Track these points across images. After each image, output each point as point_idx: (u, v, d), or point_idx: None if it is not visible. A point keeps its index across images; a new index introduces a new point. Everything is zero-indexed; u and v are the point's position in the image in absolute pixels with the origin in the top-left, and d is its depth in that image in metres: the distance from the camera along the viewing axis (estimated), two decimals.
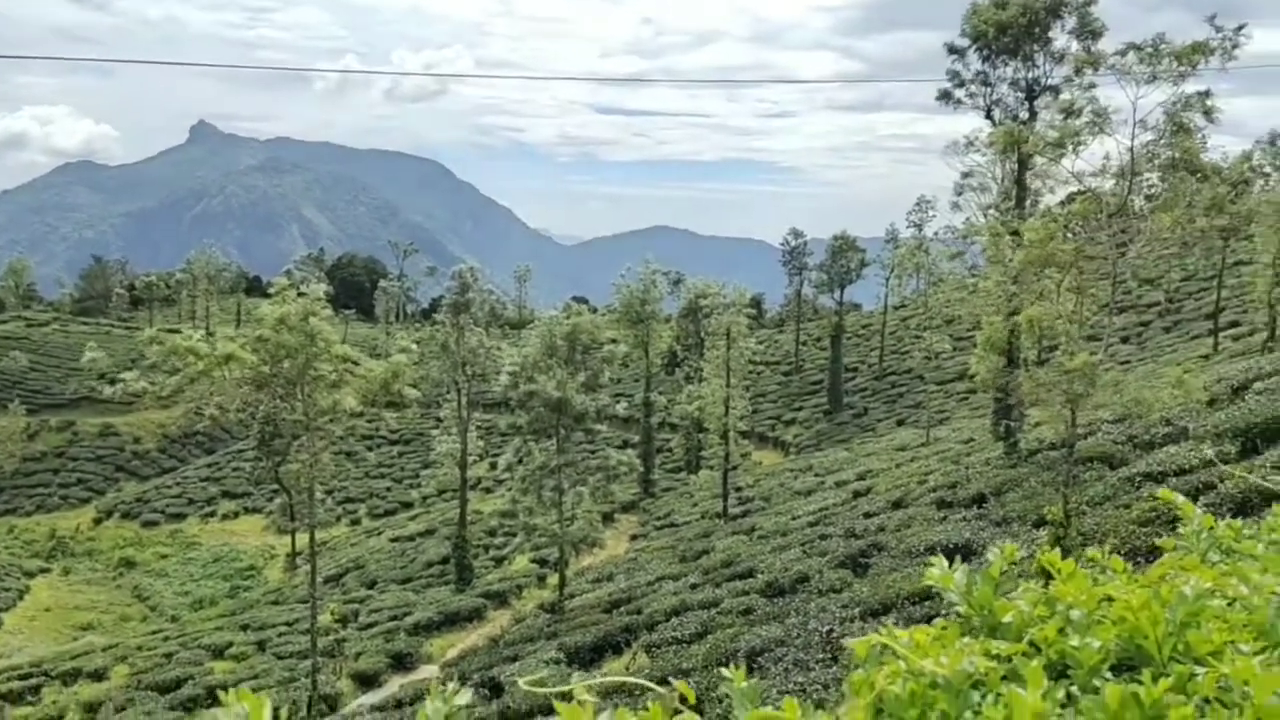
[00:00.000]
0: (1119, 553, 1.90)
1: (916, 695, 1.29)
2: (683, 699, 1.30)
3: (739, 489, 45.57)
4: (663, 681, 1.39)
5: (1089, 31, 26.97)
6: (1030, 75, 28.45)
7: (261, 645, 35.53)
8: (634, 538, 44.06)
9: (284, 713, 1.31)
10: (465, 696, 1.31)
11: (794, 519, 32.25)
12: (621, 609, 26.30)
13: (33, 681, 34.56)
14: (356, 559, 51.65)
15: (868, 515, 27.80)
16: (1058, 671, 1.39)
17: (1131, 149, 16.92)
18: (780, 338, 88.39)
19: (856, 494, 34.08)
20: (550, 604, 30.40)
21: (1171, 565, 1.77)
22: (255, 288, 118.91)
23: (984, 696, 1.28)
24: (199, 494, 70.91)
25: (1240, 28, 16.99)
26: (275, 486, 29.06)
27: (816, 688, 13.82)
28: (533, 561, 40.58)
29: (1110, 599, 1.51)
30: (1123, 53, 16.93)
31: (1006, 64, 28.63)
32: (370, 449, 76.20)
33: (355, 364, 26.33)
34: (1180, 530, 2.07)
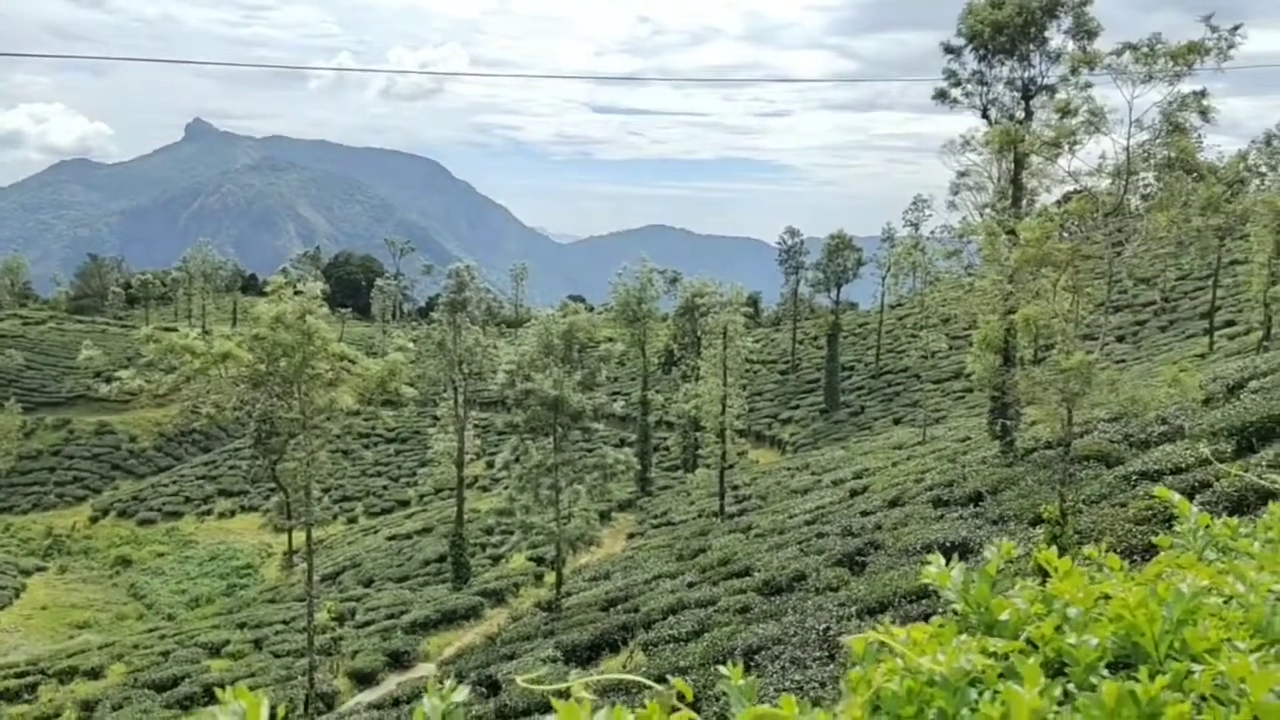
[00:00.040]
0: (1115, 551, 1.91)
1: (914, 693, 1.29)
2: (680, 696, 1.30)
3: (736, 487, 45.59)
4: (660, 680, 1.39)
5: (1085, 31, 26.98)
6: (1026, 75, 28.46)
7: (258, 643, 35.50)
8: (631, 536, 44.06)
9: (281, 711, 1.31)
10: (462, 694, 1.31)
11: (791, 517, 32.27)
12: (618, 607, 26.31)
13: (29, 680, 34.51)
14: (353, 557, 51.62)
15: (864, 514, 27.83)
16: (1055, 669, 1.39)
17: (1127, 148, 16.93)
18: (777, 336, 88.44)
19: (853, 492, 34.11)
20: (547, 602, 30.39)
21: (1168, 563, 1.78)
22: (251, 286, 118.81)
23: (981, 694, 1.28)
24: (195, 492, 70.83)
25: (1236, 28, 17.00)
26: (272, 485, 29.00)
27: (814, 686, 13.83)
28: (530, 560, 40.58)
29: (1107, 597, 1.51)
30: (1119, 52, 16.94)
31: (1003, 63, 28.63)
32: (367, 447, 76.14)
33: (352, 362, 26.29)
34: (1177, 528, 2.08)
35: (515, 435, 30.00)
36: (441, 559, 43.77)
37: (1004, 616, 1.53)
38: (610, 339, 38.31)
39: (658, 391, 62.69)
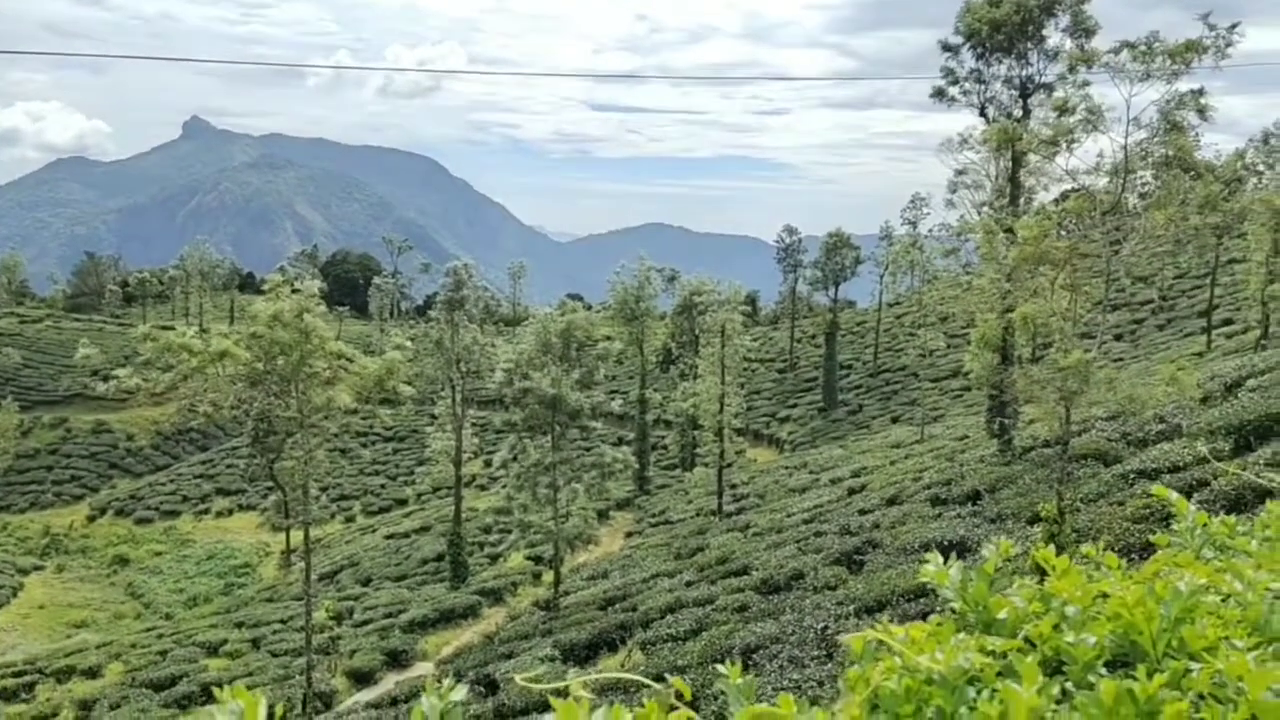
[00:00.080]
0: (1113, 549, 1.91)
1: (912, 691, 1.29)
2: (679, 695, 1.30)
3: (734, 486, 45.61)
4: (659, 678, 1.39)
5: (1083, 29, 27.00)
6: (1024, 73, 28.49)
7: (256, 643, 35.48)
8: (629, 535, 44.07)
9: (279, 710, 1.31)
10: (461, 693, 1.31)
11: (789, 516, 32.28)
12: (616, 606, 26.31)
13: (27, 679, 34.49)
14: (351, 556, 51.60)
15: (862, 512, 27.84)
16: (1053, 667, 1.39)
17: (1125, 147, 16.95)
18: (775, 335, 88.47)
19: (851, 491, 34.13)
20: (545, 601, 30.40)
21: (1166, 561, 1.78)
22: (249, 284, 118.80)
23: (979, 692, 1.28)
24: (193, 491, 70.77)
25: (1234, 26, 17.02)
26: (270, 483, 28.99)
27: (812, 684, 13.84)
28: (528, 559, 40.57)
29: (1105, 595, 1.51)
30: (1116, 51, 16.95)
31: (1000, 61, 28.65)
32: (365, 446, 76.11)
33: (350, 361, 26.27)
34: (1174, 527, 2.08)
35: (513, 434, 30.00)
36: (439, 558, 43.77)
37: (1002, 615, 1.53)
38: (608, 337, 38.34)
39: (656, 390, 62.71)
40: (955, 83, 29.54)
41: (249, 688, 1.25)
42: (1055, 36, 27.88)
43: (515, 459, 29.65)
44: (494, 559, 44.75)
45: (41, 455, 75.77)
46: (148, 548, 62.49)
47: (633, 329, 58.08)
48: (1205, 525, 2.04)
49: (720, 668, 1.39)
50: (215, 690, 1.28)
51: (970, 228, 29.41)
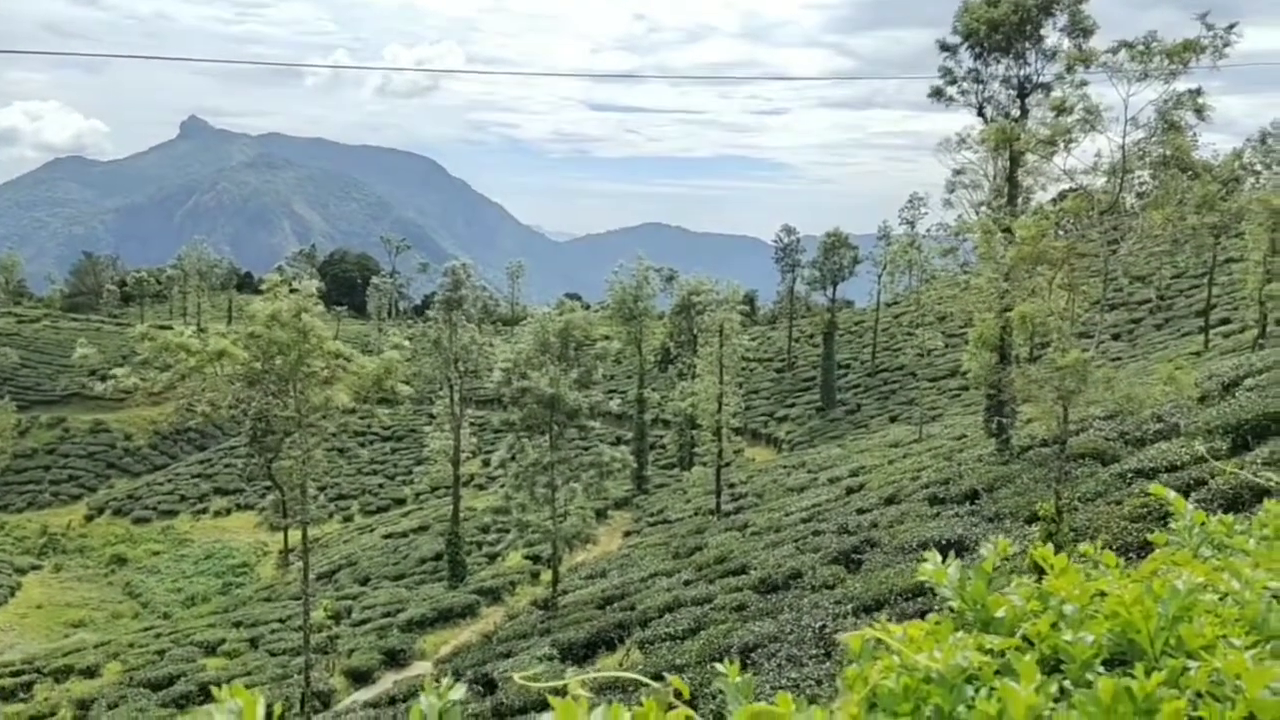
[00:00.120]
0: (1111, 548, 1.91)
1: (910, 690, 1.29)
2: (677, 694, 1.30)
3: (732, 485, 45.62)
4: (657, 677, 1.39)
5: (1080, 29, 27.02)
6: (1022, 73, 28.50)
7: (254, 642, 35.47)
8: (627, 534, 44.08)
9: (277, 709, 1.31)
10: (459, 692, 1.31)
11: (787, 515, 32.29)
12: (615, 605, 26.31)
13: (24, 679, 34.46)
14: (349, 556, 51.58)
15: (860, 511, 27.86)
16: (1051, 666, 1.40)
17: (1123, 146, 16.95)
18: (773, 334, 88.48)
19: (849, 490, 34.14)
20: (543, 600, 30.40)
21: (1164, 560, 1.78)
22: (247, 284, 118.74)
23: (978, 691, 1.28)
24: (191, 491, 70.71)
25: (1231, 26, 17.03)
26: (268, 483, 28.98)
27: (810, 683, 13.85)
28: (526, 558, 40.57)
29: (1103, 594, 1.51)
30: (1114, 50, 16.96)
31: (998, 61, 28.66)
32: (363, 445, 75.99)
33: (348, 360, 26.24)
34: (1172, 526, 2.08)
35: (511, 433, 30.00)
36: (438, 557, 43.76)
37: (1000, 613, 1.53)
38: (606, 337, 38.35)
39: (654, 389, 62.72)
40: (953, 82, 29.56)
41: (247, 687, 1.25)
42: (1053, 36, 27.92)
43: (513, 458, 29.65)
44: (492, 558, 44.75)
45: (39, 455, 75.69)
46: (145, 547, 62.44)
47: (631, 328, 58.07)
48: (1203, 524, 2.04)
49: (719, 666, 1.39)
50: (214, 689, 1.28)
51: (968, 227, 29.43)
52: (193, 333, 27.78)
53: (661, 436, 67.26)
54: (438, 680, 1.37)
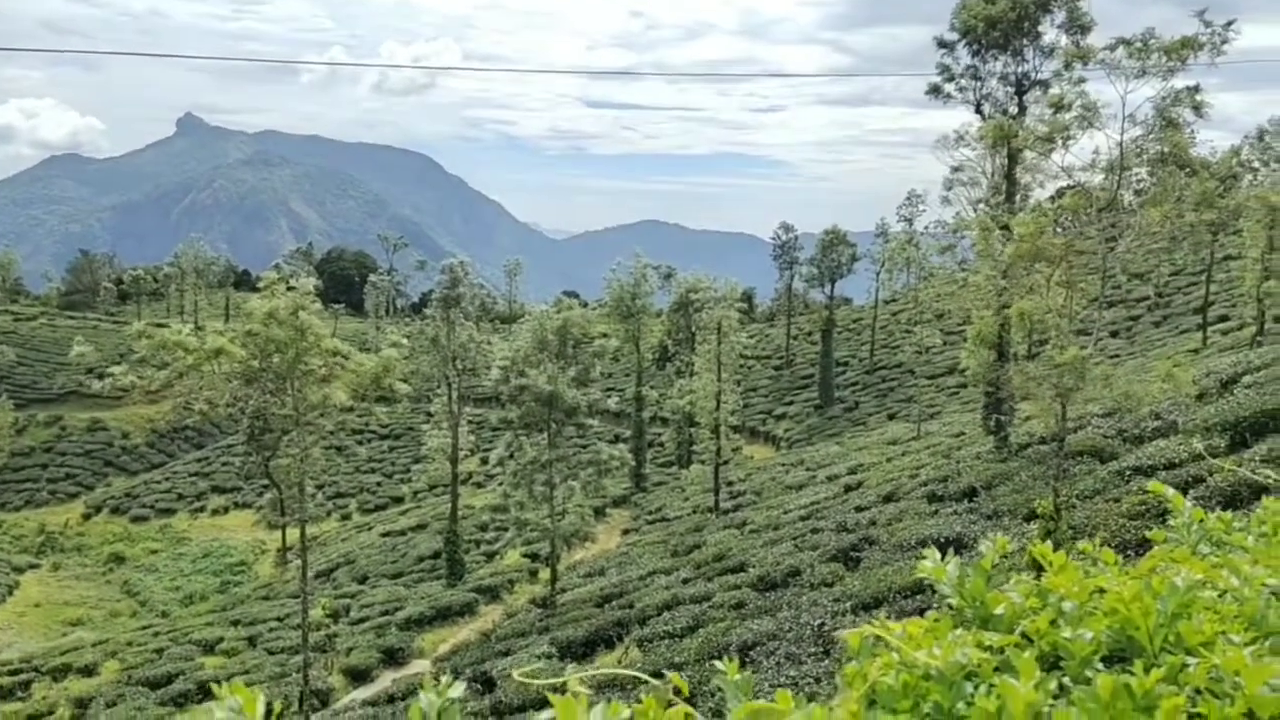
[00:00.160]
0: (1109, 546, 1.91)
1: (910, 687, 1.29)
2: (676, 691, 1.30)
3: (730, 483, 45.63)
4: (656, 675, 1.39)
5: (1078, 26, 27.03)
6: (1020, 70, 28.50)
7: (252, 640, 35.46)
8: (625, 532, 44.09)
9: (276, 707, 1.31)
10: (458, 689, 1.31)
11: (785, 513, 32.31)
12: (613, 603, 26.33)
13: (23, 677, 34.44)
14: (347, 554, 51.57)
15: (859, 509, 27.87)
16: (1050, 663, 1.40)
17: (1121, 144, 16.95)
18: (771, 332, 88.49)
19: (848, 488, 34.17)
20: (542, 599, 30.40)
21: (1162, 557, 1.78)
22: (244, 282, 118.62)
23: (977, 687, 1.28)
24: (188, 489, 70.68)
25: (1229, 23, 17.03)
26: (265, 481, 28.95)
27: (809, 681, 13.86)
28: (524, 556, 40.58)
29: (1102, 591, 1.51)
30: (1112, 47, 16.95)
31: (996, 58, 28.66)
32: (361, 444, 75.83)
33: (345, 358, 26.21)
34: (1171, 523, 2.08)
35: (510, 431, 29.99)
36: (436, 555, 43.75)
37: (999, 611, 1.53)
38: (604, 335, 38.34)
39: (652, 387, 62.72)
40: (951, 79, 29.55)
41: (246, 685, 1.25)
42: (1051, 33, 27.92)
43: (512, 456, 29.64)
44: (490, 556, 44.76)
45: (36, 453, 75.63)
46: (143, 546, 62.42)
47: (629, 326, 58.06)
48: (1201, 521, 2.04)
49: (717, 664, 1.39)
50: (214, 687, 1.28)
51: (966, 224, 29.42)
52: (190, 331, 27.73)
53: (660, 434, 67.26)
54: (436, 678, 1.37)
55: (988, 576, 1.59)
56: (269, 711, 1.25)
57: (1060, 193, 20.03)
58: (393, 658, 29.67)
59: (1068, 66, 21.71)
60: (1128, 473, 18.76)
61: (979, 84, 29.15)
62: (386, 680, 27.64)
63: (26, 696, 32.79)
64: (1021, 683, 1.21)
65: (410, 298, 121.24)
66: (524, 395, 28.27)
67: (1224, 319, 48.25)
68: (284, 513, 27.29)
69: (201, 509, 68.12)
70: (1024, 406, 25.86)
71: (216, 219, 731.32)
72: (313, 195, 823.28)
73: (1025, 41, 28.04)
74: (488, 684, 21.72)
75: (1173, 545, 1.97)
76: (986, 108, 29.08)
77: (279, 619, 37.98)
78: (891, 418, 60.19)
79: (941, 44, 29.49)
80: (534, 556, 39.40)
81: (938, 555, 1.68)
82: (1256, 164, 46.87)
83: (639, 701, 1.25)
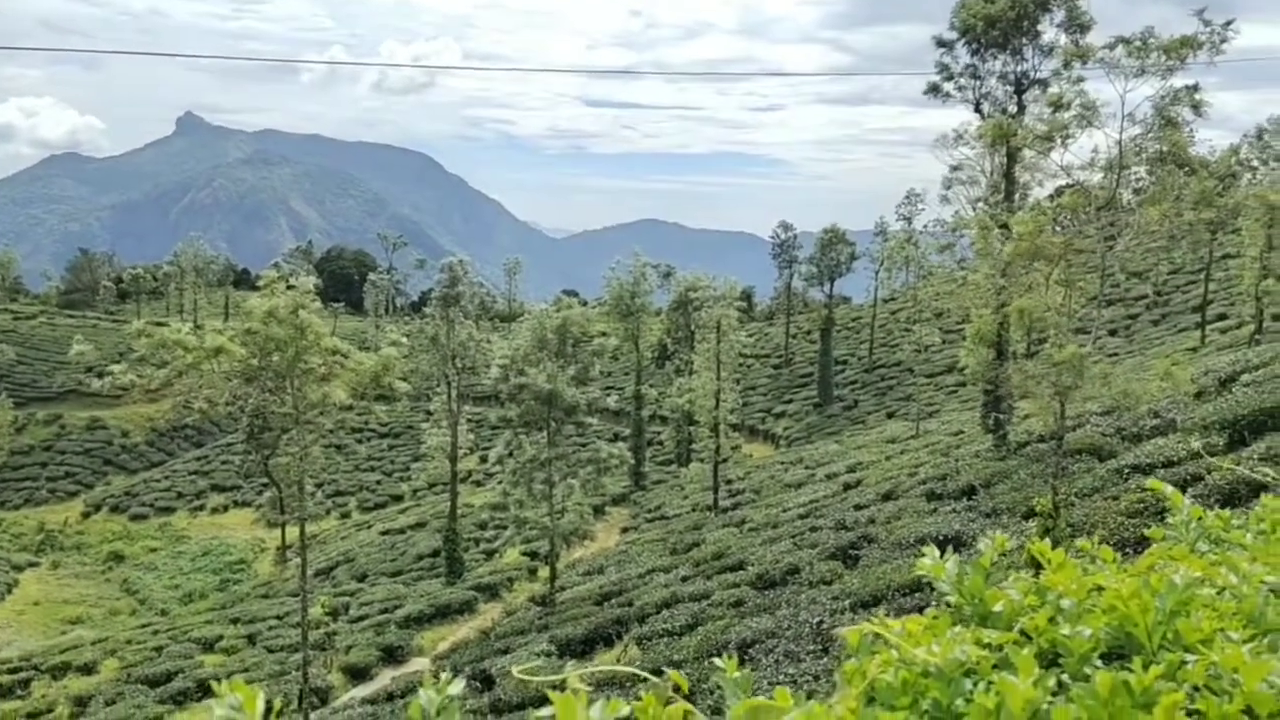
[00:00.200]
0: (1108, 544, 1.91)
1: (909, 684, 1.30)
2: (676, 688, 1.30)
3: (729, 481, 45.64)
4: (656, 673, 1.39)
5: (1077, 25, 27.02)
6: (1019, 69, 28.49)
7: (252, 638, 35.47)
8: (625, 530, 44.10)
9: (276, 705, 1.31)
10: (457, 687, 1.31)
11: (784, 511, 32.32)
12: (612, 601, 26.34)
13: (22, 675, 34.44)
14: (347, 552, 51.57)
15: (858, 507, 27.89)
16: (1049, 660, 1.40)
17: (1120, 142, 16.96)
18: (770, 331, 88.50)
19: (847, 486, 34.18)
20: (541, 597, 30.42)
21: (1161, 555, 1.78)
22: (243, 280, 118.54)
23: (976, 684, 1.29)
24: (188, 487, 70.68)
25: (1228, 23, 17.03)
26: (265, 480, 28.96)
27: (807, 679, 13.87)
28: (523, 554, 40.59)
29: (1100, 588, 1.51)
30: (1111, 46, 16.95)
31: (995, 57, 28.65)
32: (360, 442, 76.08)
33: (345, 357, 26.20)
34: (1169, 520, 2.09)
35: (509, 430, 30.00)
36: (435, 554, 43.75)
37: (998, 608, 1.53)
38: (604, 333, 38.34)
39: (651, 386, 62.71)
40: (950, 78, 29.54)
41: (245, 683, 1.25)
42: (1050, 32, 27.92)
43: (511, 455, 29.65)
44: (490, 555, 44.77)
45: (36, 452, 75.62)
46: (143, 544, 62.42)
47: (628, 325, 58.04)
48: (1200, 519, 2.04)
49: (716, 662, 1.39)
50: (213, 685, 1.28)
51: (965, 223, 29.41)
52: (189, 329, 27.73)
53: (659, 433, 67.27)
54: (436, 676, 1.37)
55: (986, 574, 1.59)
56: (268, 709, 1.25)
57: (1059, 191, 20.03)
58: (392, 656, 29.68)
59: (1067, 65, 21.70)
60: (1126, 471, 18.77)
61: (978, 83, 29.14)
62: (386, 678, 27.66)
63: (26, 695, 32.80)
64: (1020, 680, 1.22)
65: (410, 296, 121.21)
66: (523, 394, 28.28)
67: (1222, 317, 48.27)
68: (283, 511, 27.29)
69: (201, 507, 68.12)
70: (1023, 405, 25.88)
71: (216, 218, 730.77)
72: (312, 194, 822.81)
73: (1024, 40, 28.03)
74: (487, 682, 21.73)
75: (1171, 543, 1.98)
76: (986, 107, 29.08)
77: (278, 617, 37.98)
78: (890, 416, 60.20)
79: (940, 43, 29.49)
80: (533, 555, 39.41)
81: (936, 553, 1.68)
82: (1255, 163, 46.88)
83: (638, 699, 1.25)
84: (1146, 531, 2.17)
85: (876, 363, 73.01)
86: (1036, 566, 1.66)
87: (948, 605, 1.59)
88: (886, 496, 28.06)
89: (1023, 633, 1.46)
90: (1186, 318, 53.29)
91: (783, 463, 50.55)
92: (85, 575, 57.58)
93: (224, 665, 31.89)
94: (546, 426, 28.45)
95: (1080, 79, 19.67)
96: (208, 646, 35.14)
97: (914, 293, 77.61)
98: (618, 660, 20.99)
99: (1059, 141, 17.32)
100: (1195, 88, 17.12)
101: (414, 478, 68.70)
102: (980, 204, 28.87)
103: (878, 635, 1.41)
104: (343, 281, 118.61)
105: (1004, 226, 19.73)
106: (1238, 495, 14.17)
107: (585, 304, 70.23)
